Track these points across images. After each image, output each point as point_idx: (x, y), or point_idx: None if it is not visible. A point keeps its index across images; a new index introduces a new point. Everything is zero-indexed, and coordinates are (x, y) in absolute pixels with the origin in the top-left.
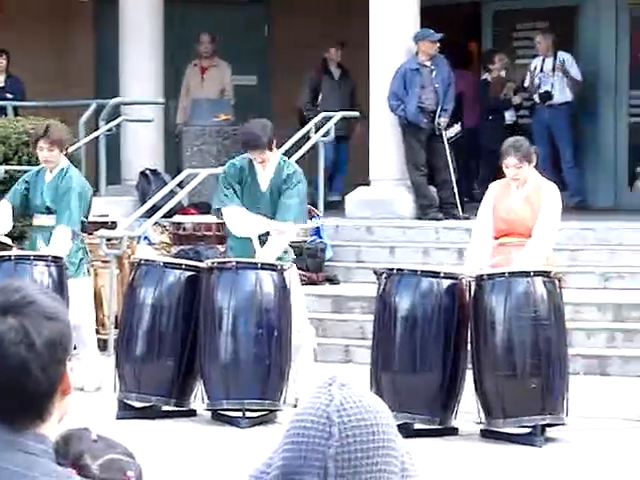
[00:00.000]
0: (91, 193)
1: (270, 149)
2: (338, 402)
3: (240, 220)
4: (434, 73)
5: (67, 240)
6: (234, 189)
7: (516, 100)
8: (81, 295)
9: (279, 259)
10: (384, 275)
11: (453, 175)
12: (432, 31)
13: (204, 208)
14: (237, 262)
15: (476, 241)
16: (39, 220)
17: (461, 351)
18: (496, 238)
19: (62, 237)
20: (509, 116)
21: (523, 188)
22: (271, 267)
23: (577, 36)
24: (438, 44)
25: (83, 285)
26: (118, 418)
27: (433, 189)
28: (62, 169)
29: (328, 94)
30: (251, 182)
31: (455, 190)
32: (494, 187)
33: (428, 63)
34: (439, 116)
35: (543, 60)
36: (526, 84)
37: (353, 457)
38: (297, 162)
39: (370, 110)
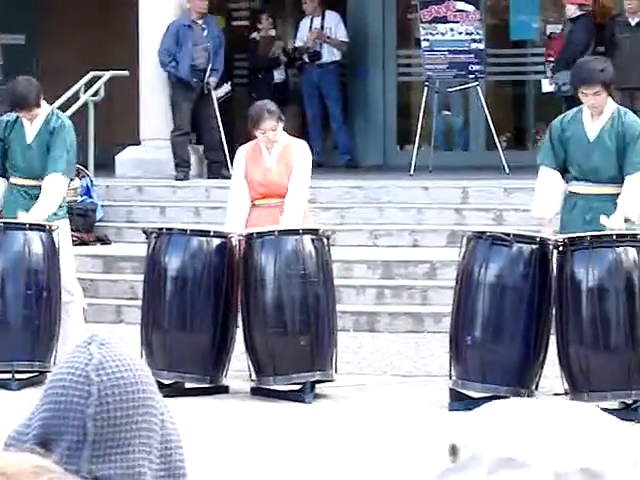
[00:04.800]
0: None
1: (38, 105)
2: (97, 361)
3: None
4: (205, 32)
5: None
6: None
7: (285, 59)
8: None
9: (53, 214)
10: (154, 235)
11: (223, 135)
12: None
13: None
14: (4, 223)
15: (232, 206)
16: None
17: (231, 310)
18: (254, 200)
19: None
20: (278, 75)
21: (274, 148)
22: (40, 227)
23: None
24: (207, 2)
25: None
26: None
27: (200, 148)
28: None
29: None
30: (17, 135)
31: (225, 149)
32: (243, 150)
33: (200, 21)
34: (209, 76)
35: (311, 20)
36: (296, 43)
37: (112, 416)
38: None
39: (140, 68)
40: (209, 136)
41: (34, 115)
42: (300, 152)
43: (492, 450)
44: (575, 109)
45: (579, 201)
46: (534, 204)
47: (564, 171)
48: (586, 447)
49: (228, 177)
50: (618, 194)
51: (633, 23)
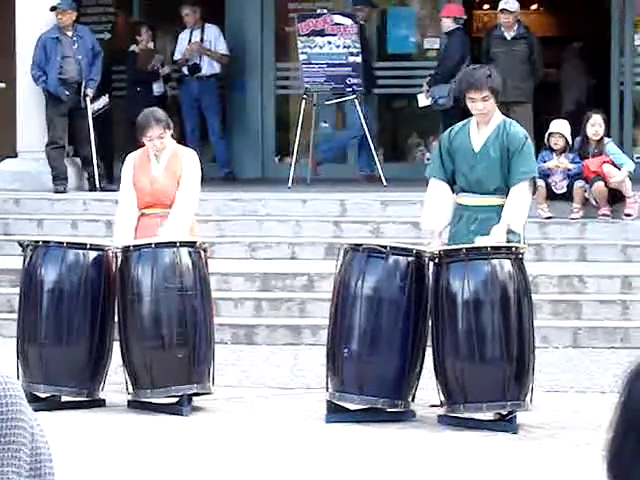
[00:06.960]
0: None
1: None
2: None
3: None
4: (76, 44)
5: None
6: None
7: (164, 72)
8: None
9: None
10: (30, 247)
11: (94, 148)
12: (69, 1)
13: None
14: None
15: (121, 215)
16: None
17: (108, 323)
18: (142, 209)
19: None
20: (157, 88)
21: (162, 157)
22: None
23: (225, 9)
24: (75, 13)
25: None
26: None
27: (78, 160)
28: None
29: None
30: None
31: (94, 163)
32: (132, 159)
33: (69, 33)
34: (85, 86)
35: (191, 32)
36: (175, 56)
37: None
38: None
39: (17, 80)
40: (84, 150)
41: None
42: (189, 162)
43: None
44: (464, 121)
45: (465, 212)
46: (423, 216)
47: (454, 183)
48: None
49: (96, 190)
50: (503, 205)
51: (509, 37)
